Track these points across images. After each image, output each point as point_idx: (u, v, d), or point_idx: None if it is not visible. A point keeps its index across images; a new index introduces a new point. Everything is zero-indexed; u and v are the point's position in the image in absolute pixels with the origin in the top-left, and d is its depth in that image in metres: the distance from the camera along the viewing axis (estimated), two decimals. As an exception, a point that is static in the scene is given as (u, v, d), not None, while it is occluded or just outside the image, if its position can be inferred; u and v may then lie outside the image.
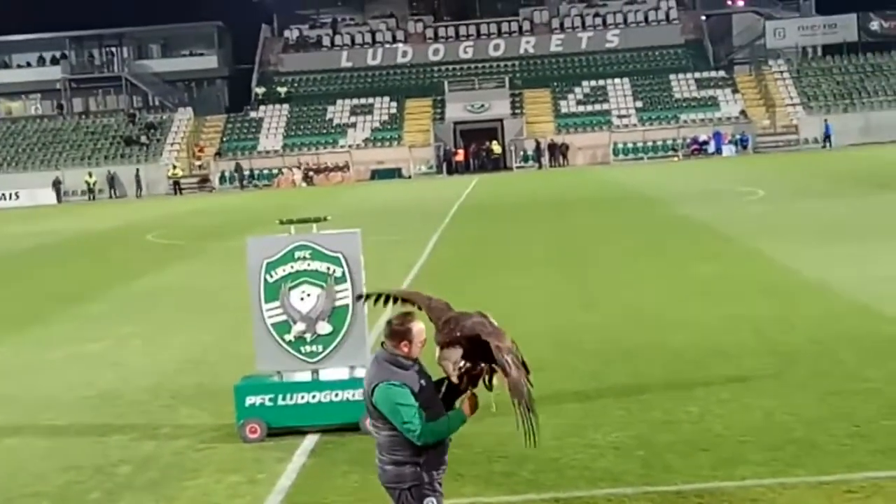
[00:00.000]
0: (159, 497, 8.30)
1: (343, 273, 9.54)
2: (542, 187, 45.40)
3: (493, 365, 5.56)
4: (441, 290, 17.16)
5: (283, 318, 9.56)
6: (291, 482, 8.36)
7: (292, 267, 9.56)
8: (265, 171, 65.11)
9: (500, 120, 66.51)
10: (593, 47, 73.51)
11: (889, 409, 9.15)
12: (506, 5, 77.01)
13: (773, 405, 9.50)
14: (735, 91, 67.43)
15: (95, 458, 9.43)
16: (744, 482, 7.64)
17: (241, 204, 48.22)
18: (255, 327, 9.67)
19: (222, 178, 65.50)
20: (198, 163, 67.41)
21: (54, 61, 77.59)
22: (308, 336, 9.56)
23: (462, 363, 5.58)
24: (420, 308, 5.90)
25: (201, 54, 78.26)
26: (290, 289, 9.55)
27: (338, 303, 9.54)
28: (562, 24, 75.18)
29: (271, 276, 9.57)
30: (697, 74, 68.93)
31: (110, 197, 64.24)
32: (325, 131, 67.98)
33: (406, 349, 5.56)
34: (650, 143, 64.61)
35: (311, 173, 63.59)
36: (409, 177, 63.45)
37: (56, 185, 64.48)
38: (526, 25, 75.47)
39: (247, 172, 64.93)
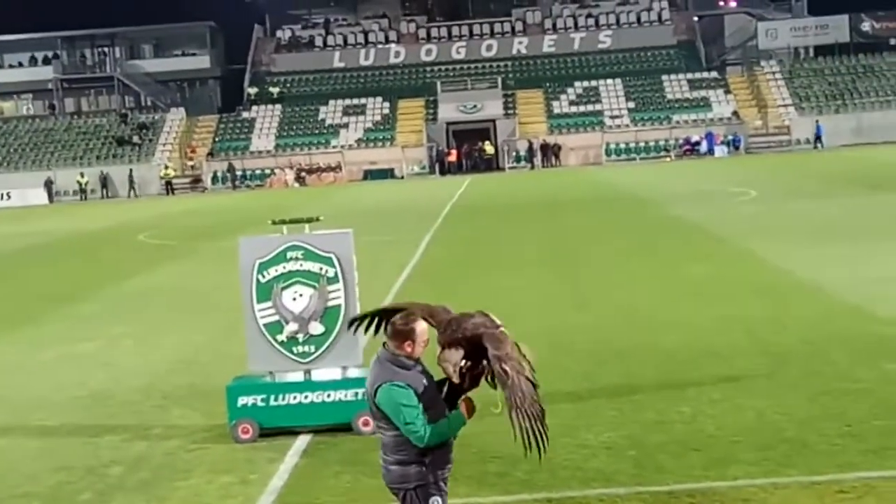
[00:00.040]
0: (151, 497, 8.29)
1: (335, 273, 9.53)
2: (534, 188, 45.41)
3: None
4: (434, 290, 17.18)
5: (276, 318, 9.54)
6: (283, 482, 8.35)
7: (284, 267, 9.55)
8: (257, 172, 65.06)
9: (493, 120, 66.54)
10: (586, 48, 73.58)
11: (880, 410, 9.16)
12: (498, 6, 77.04)
13: (764, 405, 9.51)
14: (727, 92, 67.52)
15: (87, 458, 9.41)
16: (735, 482, 7.65)
17: (233, 204, 48.17)
18: (248, 328, 9.66)
19: (214, 179, 65.43)
20: (190, 163, 67.34)
21: (46, 61, 77.46)
22: (300, 336, 9.54)
23: (463, 363, 5.56)
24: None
25: (193, 54, 78.19)
26: (283, 289, 9.54)
27: (330, 303, 9.53)
28: (554, 25, 75.24)
29: (263, 277, 9.56)
30: (690, 75, 69.03)
31: (102, 197, 64.14)
32: (317, 132, 67.94)
33: (409, 349, 5.52)
34: (642, 144, 64.68)
35: (303, 174, 63.55)
36: (402, 177, 63.43)
37: (48, 185, 64.38)
38: (518, 26, 75.51)
39: (239, 173, 64.88)
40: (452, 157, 65.62)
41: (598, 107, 67.39)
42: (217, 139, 68.57)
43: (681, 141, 64.07)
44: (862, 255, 18.54)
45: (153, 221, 39.53)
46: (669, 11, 75.06)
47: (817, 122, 62.68)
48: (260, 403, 9.51)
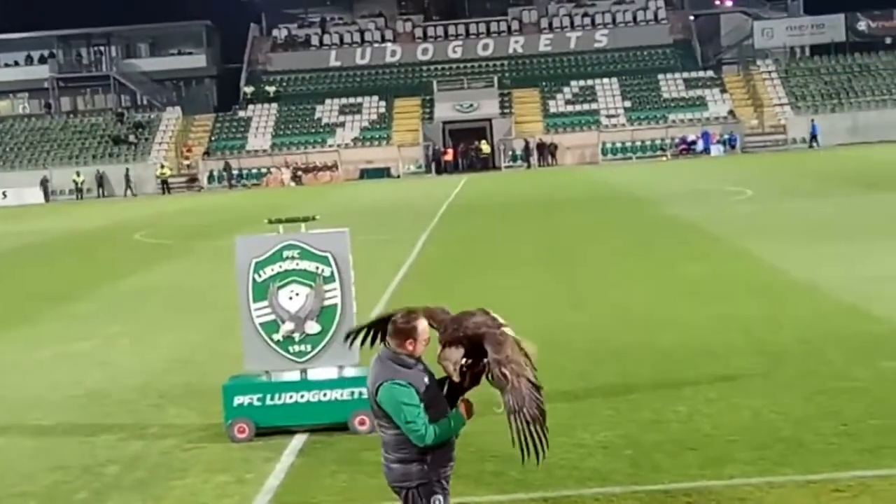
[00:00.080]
0: (147, 497, 8.28)
1: (332, 272, 9.53)
2: (530, 187, 45.42)
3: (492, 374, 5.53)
4: (430, 289, 17.20)
5: (272, 317, 9.54)
6: (280, 482, 8.35)
7: (281, 266, 9.55)
8: (254, 171, 65.04)
9: (489, 119, 66.54)
10: (582, 47, 73.59)
11: (876, 409, 9.17)
12: (495, 5, 77.05)
13: (760, 404, 9.52)
14: (723, 91, 67.58)
15: (83, 457, 9.40)
16: (731, 481, 7.65)
17: (229, 203, 48.14)
18: (244, 327, 9.65)
19: (210, 178, 65.41)
20: (186, 162, 67.31)
21: (42, 60, 77.40)
22: (296, 336, 9.54)
23: (464, 362, 5.55)
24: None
25: (190, 53, 78.16)
26: (279, 288, 9.54)
27: (326, 302, 9.53)
28: (550, 24, 75.25)
29: (260, 276, 9.55)
30: (686, 74, 69.07)
31: (98, 196, 64.09)
32: (313, 131, 67.93)
33: (411, 347, 5.50)
34: (638, 143, 64.71)
35: (299, 173, 63.52)
36: (398, 176, 63.43)
37: (44, 184, 64.32)
38: (515, 25, 75.52)
39: (235, 172, 64.85)
40: (449, 157, 65.63)
41: (594, 106, 67.42)
42: (213, 138, 68.54)
43: (677, 140, 64.12)
44: (858, 254, 18.56)
45: (149, 220, 39.50)
46: (665, 10, 75.09)
47: (812, 121, 62.76)
48: (256, 403, 9.50)
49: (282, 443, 9.28)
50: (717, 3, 78.27)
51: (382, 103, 69.03)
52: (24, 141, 69.79)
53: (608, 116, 66.42)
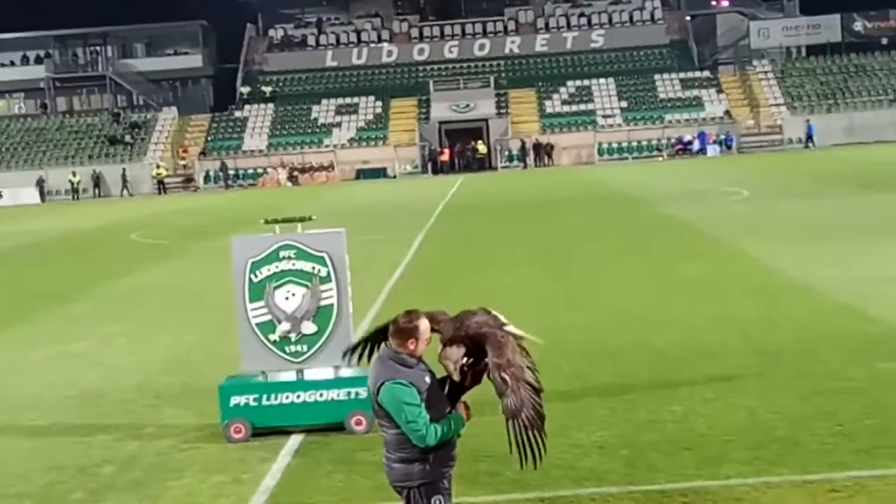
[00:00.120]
0: (143, 497, 8.27)
1: (328, 273, 9.52)
2: (527, 187, 45.42)
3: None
4: (426, 289, 17.18)
5: (268, 317, 9.54)
6: (276, 482, 8.35)
7: (277, 266, 9.54)
8: (250, 171, 65.00)
9: (486, 120, 66.55)
10: (578, 47, 73.61)
11: (872, 409, 9.18)
12: (491, 5, 77.02)
13: (756, 404, 9.53)
14: (719, 91, 67.61)
15: (78, 458, 9.40)
16: (728, 481, 7.66)
17: (225, 203, 48.11)
18: (240, 327, 9.64)
19: (207, 178, 65.37)
20: (182, 162, 67.26)
21: (38, 60, 77.28)
22: (293, 336, 9.54)
23: (465, 360, 5.55)
24: None
25: (186, 53, 78.11)
26: (275, 288, 9.53)
27: (323, 302, 9.53)
28: (547, 24, 75.26)
29: (256, 276, 9.55)
30: (682, 74, 69.10)
31: (94, 196, 64.04)
32: (310, 131, 67.90)
33: (413, 347, 5.50)
34: (635, 143, 64.73)
35: (295, 173, 63.49)
36: (395, 176, 63.43)
37: (40, 184, 64.25)
38: (511, 25, 75.52)
39: (231, 172, 64.82)
40: (445, 157, 65.63)
41: (590, 106, 67.44)
42: (209, 138, 68.49)
43: (673, 140, 64.15)
44: (854, 254, 18.58)
45: (145, 220, 39.48)
46: (662, 11, 75.13)
47: (808, 121, 62.81)
48: (252, 403, 9.50)
49: (278, 443, 9.28)
50: (714, 3, 78.30)
51: (379, 103, 69.02)
52: (21, 141, 69.72)
53: (604, 117, 66.44)
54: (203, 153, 66.97)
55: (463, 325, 5.59)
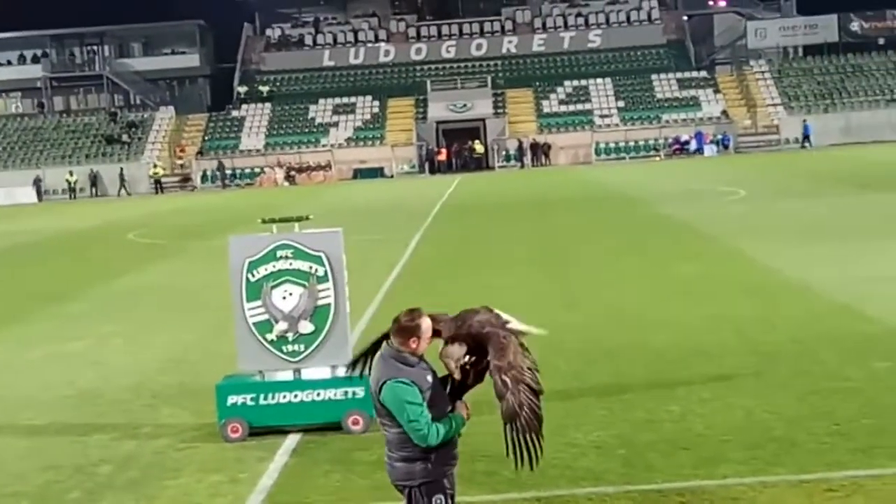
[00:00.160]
0: (140, 497, 8.27)
1: (325, 272, 9.52)
2: (524, 187, 45.43)
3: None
4: (423, 289, 17.18)
5: (265, 317, 9.53)
6: (273, 481, 8.34)
7: (274, 266, 9.54)
8: (247, 171, 64.99)
9: (483, 119, 66.56)
10: (575, 47, 73.64)
11: (869, 408, 9.19)
12: (488, 5, 77.04)
13: (753, 404, 9.53)
14: (716, 91, 67.66)
15: (75, 457, 9.39)
16: (724, 481, 7.66)
17: (222, 203, 48.10)
18: (237, 326, 9.64)
19: (204, 177, 65.35)
20: (179, 162, 67.23)
21: (35, 60, 77.25)
22: (290, 335, 9.53)
23: (466, 359, 5.55)
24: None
25: (183, 53, 78.08)
26: (272, 288, 9.53)
27: (320, 302, 9.52)
28: (544, 24, 75.28)
29: (253, 276, 9.55)
30: (679, 74, 69.14)
31: (91, 196, 63.99)
32: (307, 130, 67.89)
33: (414, 345, 5.49)
34: (632, 143, 64.77)
35: (293, 172, 63.49)
36: (392, 176, 63.43)
37: (36, 183, 64.19)
38: (508, 25, 75.54)
39: (229, 171, 64.81)
40: (442, 156, 65.63)
41: (587, 106, 67.46)
42: (206, 138, 68.47)
43: (670, 140, 64.19)
44: (851, 254, 18.59)
45: (142, 220, 39.46)
46: (659, 11, 75.18)
47: (804, 121, 62.86)
48: (249, 402, 9.49)
49: (275, 442, 9.27)
50: (711, 3, 78.37)
51: (376, 103, 69.02)
52: (17, 140, 69.67)
53: (602, 116, 66.47)
54: (200, 153, 66.94)
55: (465, 323, 5.59)
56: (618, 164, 61.36)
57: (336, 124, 67.79)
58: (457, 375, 5.54)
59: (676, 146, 63.55)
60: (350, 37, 75.78)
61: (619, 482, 7.76)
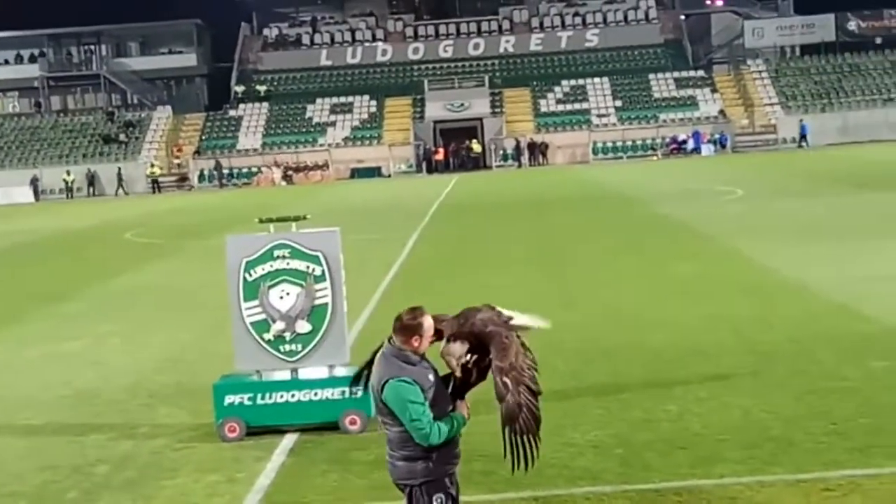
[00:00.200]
0: (137, 496, 8.26)
1: (322, 272, 9.52)
2: (521, 186, 45.43)
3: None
4: (421, 288, 17.19)
5: (263, 316, 9.53)
6: (270, 481, 8.34)
7: (271, 265, 9.53)
8: (244, 170, 64.97)
9: (480, 119, 66.56)
10: (573, 47, 73.64)
11: (866, 408, 9.19)
12: (485, 4, 77.07)
13: (751, 404, 9.53)
14: (714, 91, 67.69)
15: (73, 457, 9.38)
16: (722, 480, 7.66)
17: (220, 202, 48.09)
18: (234, 326, 9.64)
19: (201, 177, 65.31)
20: (176, 161, 67.19)
21: (32, 59, 77.18)
22: (287, 335, 9.53)
23: (468, 357, 5.54)
24: None
25: (180, 52, 78.04)
26: (270, 287, 9.52)
27: (317, 302, 9.52)
28: (541, 24, 75.29)
29: (250, 275, 9.54)
30: (676, 74, 69.17)
31: (89, 195, 63.95)
32: (304, 130, 67.87)
33: (416, 344, 5.48)
34: (629, 143, 64.78)
35: (290, 172, 63.47)
36: (389, 176, 63.41)
37: (33, 183, 64.15)
38: (506, 24, 75.56)
39: (226, 171, 64.78)
40: (439, 156, 65.63)
41: (584, 105, 67.47)
42: (204, 137, 68.44)
43: (667, 139, 64.22)
44: (848, 253, 18.60)
45: (140, 220, 39.44)
46: (656, 10, 75.20)
47: (801, 121, 62.89)
48: (247, 402, 9.49)
49: (272, 442, 9.27)
50: (708, 2, 78.41)
51: (373, 103, 69.00)
52: (14, 140, 69.61)
53: (599, 116, 66.49)
54: (197, 152, 66.92)
55: (467, 321, 5.59)
56: (615, 163, 61.38)
57: (333, 124, 67.78)
58: (458, 373, 5.54)
59: (674, 146, 63.58)
60: (347, 36, 75.77)
61: (616, 482, 7.77)
